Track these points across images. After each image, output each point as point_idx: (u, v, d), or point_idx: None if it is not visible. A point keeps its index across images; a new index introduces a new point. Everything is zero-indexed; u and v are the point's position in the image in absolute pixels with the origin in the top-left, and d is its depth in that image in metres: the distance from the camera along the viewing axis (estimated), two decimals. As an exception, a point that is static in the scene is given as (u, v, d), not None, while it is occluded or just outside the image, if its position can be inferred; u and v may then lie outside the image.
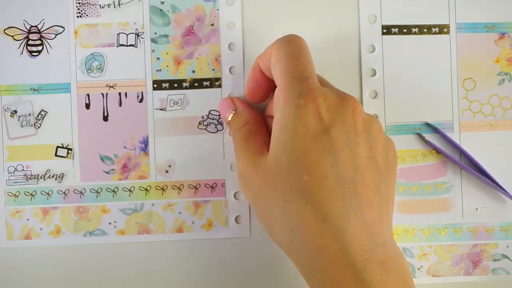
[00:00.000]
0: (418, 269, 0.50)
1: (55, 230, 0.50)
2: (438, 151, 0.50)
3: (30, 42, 0.50)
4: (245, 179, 0.43)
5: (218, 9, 0.51)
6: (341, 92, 0.42)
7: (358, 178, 0.38)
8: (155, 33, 0.51)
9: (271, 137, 0.41)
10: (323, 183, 0.38)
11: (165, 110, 0.50)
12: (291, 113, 0.39)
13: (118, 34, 0.50)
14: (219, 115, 0.50)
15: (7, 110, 0.50)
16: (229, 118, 0.47)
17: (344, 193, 0.38)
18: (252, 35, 0.51)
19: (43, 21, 0.50)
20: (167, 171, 0.50)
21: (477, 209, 0.50)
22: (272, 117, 0.42)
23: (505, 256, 0.50)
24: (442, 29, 0.51)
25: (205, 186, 0.50)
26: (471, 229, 0.50)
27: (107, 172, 0.50)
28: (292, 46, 0.42)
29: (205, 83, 0.51)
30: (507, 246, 0.50)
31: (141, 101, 0.50)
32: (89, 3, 0.50)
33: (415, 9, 0.51)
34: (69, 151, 0.50)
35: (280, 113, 0.40)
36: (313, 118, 0.39)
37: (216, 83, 0.51)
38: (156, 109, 0.50)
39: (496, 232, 0.50)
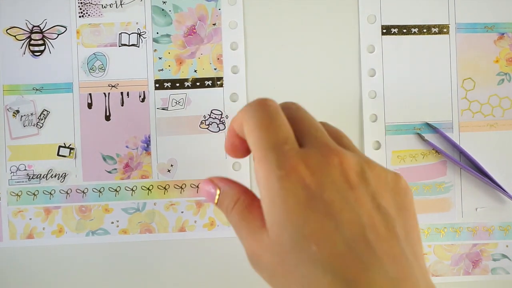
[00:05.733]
0: (418, 268, 0.50)
1: (57, 229, 0.50)
2: (437, 151, 0.50)
3: (32, 42, 0.50)
4: (255, 261, 0.39)
5: (220, 9, 0.51)
6: (324, 148, 0.37)
7: (370, 235, 0.34)
8: (157, 33, 0.51)
9: (264, 215, 0.37)
10: (334, 250, 0.34)
11: (167, 110, 0.51)
12: (275, 186, 0.36)
13: (120, 34, 0.51)
14: (221, 114, 0.50)
15: (9, 109, 0.50)
16: (216, 201, 0.44)
17: (359, 254, 0.34)
18: (254, 34, 0.51)
19: (45, 21, 0.50)
20: (169, 171, 0.51)
21: (476, 209, 0.51)
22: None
23: (504, 256, 0.51)
24: (442, 29, 0.51)
25: (206, 185, 0.51)
26: (470, 229, 0.51)
27: (109, 172, 0.50)
28: (260, 114, 0.38)
29: (207, 83, 0.51)
30: (507, 246, 0.51)
31: (143, 100, 0.51)
32: (91, 3, 0.50)
33: (414, 9, 0.51)
34: (71, 151, 0.50)
35: (264, 189, 0.37)
36: (299, 187, 0.35)
37: (218, 82, 0.51)
38: (158, 108, 0.51)
39: (496, 232, 0.51)
